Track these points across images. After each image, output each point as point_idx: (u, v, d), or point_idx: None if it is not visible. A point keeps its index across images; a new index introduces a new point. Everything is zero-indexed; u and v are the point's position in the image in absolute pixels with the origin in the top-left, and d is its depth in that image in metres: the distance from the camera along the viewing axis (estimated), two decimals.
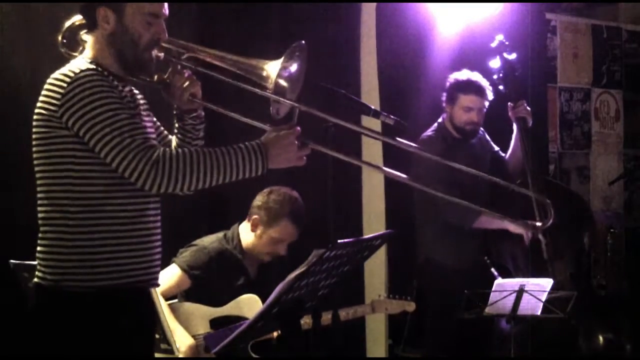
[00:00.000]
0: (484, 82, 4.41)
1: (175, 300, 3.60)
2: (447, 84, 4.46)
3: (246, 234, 3.74)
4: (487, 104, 4.43)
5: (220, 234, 3.76)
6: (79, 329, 2.38)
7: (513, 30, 5.23)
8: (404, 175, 2.63)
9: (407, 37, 5.21)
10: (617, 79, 6.43)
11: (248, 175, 2.43)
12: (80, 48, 2.61)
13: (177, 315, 3.48)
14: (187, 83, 2.58)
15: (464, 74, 4.43)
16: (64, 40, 2.63)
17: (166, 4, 2.54)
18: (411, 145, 2.70)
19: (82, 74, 2.36)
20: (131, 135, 2.34)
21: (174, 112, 2.70)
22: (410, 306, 4.09)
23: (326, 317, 3.07)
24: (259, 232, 3.70)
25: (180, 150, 2.39)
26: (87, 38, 2.54)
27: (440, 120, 4.51)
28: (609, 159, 6.39)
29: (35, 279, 2.46)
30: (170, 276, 3.55)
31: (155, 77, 2.61)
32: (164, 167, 2.32)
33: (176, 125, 2.72)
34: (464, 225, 4.25)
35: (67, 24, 2.63)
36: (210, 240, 3.71)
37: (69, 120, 2.34)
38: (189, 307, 3.57)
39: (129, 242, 2.44)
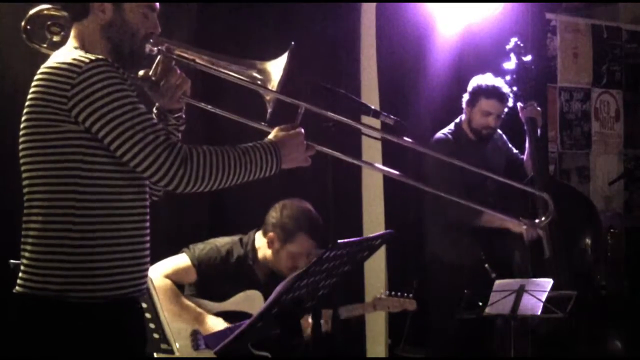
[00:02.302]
0: (506, 89, 4.47)
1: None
2: (470, 86, 4.51)
3: (263, 248, 3.71)
4: (505, 110, 4.50)
5: (235, 238, 3.74)
6: (86, 342, 2.22)
7: (513, 30, 5.23)
8: (396, 172, 2.64)
9: (407, 37, 5.21)
10: (617, 79, 6.43)
11: (263, 174, 2.38)
12: (48, 40, 2.51)
13: None
14: (179, 80, 2.51)
15: (488, 79, 4.49)
16: (28, 27, 2.52)
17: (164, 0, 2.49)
18: (412, 143, 2.70)
19: (93, 64, 2.19)
20: (154, 131, 2.21)
21: (155, 111, 2.59)
22: (412, 304, 4.10)
23: (326, 317, 3.07)
24: (276, 248, 3.67)
25: (204, 148, 2.28)
26: (60, 30, 2.45)
27: (457, 120, 4.57)
28: (609, 159, 6.39)
29: (21, 289, 2.29)
30: (178, 264, 3.57)
31: (141, 73, 2.51)
32: (192, 164, 2.22)
33: None
34: (466, 224, 4.28)
35: (33, 11, 2.52)
36: (224, 242, 3.69)
37: (81, 113, 2.18)
38: (192, 299, 3.59)
39: (133, 248, 2.31)
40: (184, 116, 2.63)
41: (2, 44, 3.94)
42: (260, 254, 3.70)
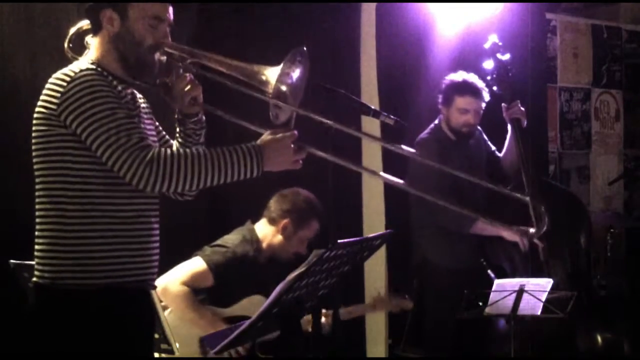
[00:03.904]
0: (480, 84, 4.39)
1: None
2: (443, 85, 4.45)
3: (271, 236, 3.76)
4: (483, 105, 4.41)
5: (239, 235, 3.75)
6: (76, 328, 2.39)
7: (513, 30, 5.23)
8: (401, 181, 2.62)
9: (407, 37, 5.21)
10: (617, 79, 6.44)
11: (243, 176, 2.43)
12: (85, 52, 2.62)
13: None
14: (188, 87, 2.59)
15: (460, 76, 4.42)
16: (71, 45, 2.66)
17: (171, 10, 2.56)
18: (410, 151, 2.68)
19: (81, 74, 2.39)
20: (128, 134, 2.35)
21: (176, 116, 2.71)
22: (408, 305, 4.12)
23: (327, 319, 3.07)
24: (288, 234, 3.74)
25: (175, 150, 2.40)
26: (92, 40, 2.56)
27: (436, 122, 4.50)
28: (609, 159, 6.39)
29: (34, 278, 2.47)
30: (194, 269, 3.56)
31: (157, 80, 2.62)
32: (158, 166, 2.33)
33: (177, 129, 2.73)
34: (460, 231, 4.25)
35: (74, 29, 2.66)
36: (235, 243, 3.69)
37: (67, 118, 2.36)
38: (208, 309, 3.59)
39: (126, 241, 2.44)
40: (203, 119, 2.71)
41: (2, 44, 3.94)
42: (265, 244, 3.75)
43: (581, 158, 6.27)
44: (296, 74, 2.53)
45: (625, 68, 6.46)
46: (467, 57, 5.18)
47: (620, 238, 6.09)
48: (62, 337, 2.39)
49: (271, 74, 2.50)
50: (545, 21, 6.03)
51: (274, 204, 3.80)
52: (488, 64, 4.48)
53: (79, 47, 2.64)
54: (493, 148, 4.63)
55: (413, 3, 5.16)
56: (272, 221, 3.77)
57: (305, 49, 2.54)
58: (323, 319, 3.47)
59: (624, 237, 6.18)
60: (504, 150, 4.55)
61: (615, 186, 6.27)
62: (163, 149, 2.38)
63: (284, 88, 2.51)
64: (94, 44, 2.55)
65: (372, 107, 2.98)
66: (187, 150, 2.42)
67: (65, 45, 2.66)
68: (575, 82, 6.25)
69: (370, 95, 5.02)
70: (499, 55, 4.47)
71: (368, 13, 5.09)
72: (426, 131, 4.49)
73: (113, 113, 2.36)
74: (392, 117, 2.88)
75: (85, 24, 2.62)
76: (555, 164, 6.09)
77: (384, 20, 5.12)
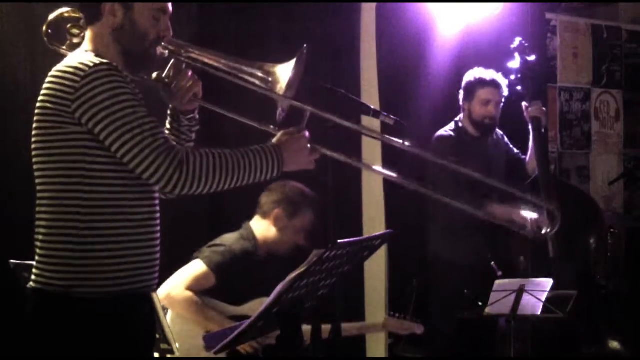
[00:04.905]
0: (499, 77, 4.52)
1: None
2: (464, 81, 4.56)
3: (265, 230, 3.75)
4: (503, 99, 4.53)
5: (237, 234, 3.74)
6: (90, 336, 2.28)
7: (513, 30, 5.23)
8: (394, 175, 2.63)
9: (407, 37, 5.21)
10: (617, 79, 6.44)
11: (264, 177, 2.40)
12: (68, 42, 2.56)
13: None
14: (190, 82, 2.54)
15: (479, 71, 4.55)
16: (49, 31, 2.59)
17: (170, 4, 2.51)
18: (409, 146, 2.68)
19: (97, 68, 2.25)
20: (153, 134, 2.25)
21: (169, 112, 2.65)
22: (420, 328, 4.07)
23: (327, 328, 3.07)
24: (281, 225, 3.72)
25: (202, 152, 2.32)
26: (79, 31, 2.50)
27: (457, 119, 4.59)
28: (609, 159, 6.39)
29: (34, 284, 2.34)
30: (195, 272, 3.55)
31: (154, 75, 2.55)
32: (188, 167, 2.25)
33: (169, 125, 2.65)
34: (470, 218, 4.27)
35: (53, 15, 2.59)
36: (232, 241, 3.68)
37: (84, 116, 2.23)
38: (210, 302, 3.58)
39: (139, 245, 2.35)
40: (197, 117, 2.67)
41: (2, 44, 3.94)
42: (260, 241, 3.73)
43: (581, 158, 6.27)
44: (296, 71, 2.52)
45: (625, 68, 6.46)
46: (467, 57, 5.19)
47: (620, 238, 6.09)
48: (74, 344, 2.28)
49: (281, 73, 2.50)
50: (545, 21, 6.03)
51: (263, 199, 3.78)
52: (514, 64, 4.60)
53: (58, 35, 2.57)
54: (516, 150, 4.70)
55: (413, 3, 5.16)
56: (265, 215, 3.75)
57: (305, 46, 2.54)
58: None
59: (624, 237, 6.18)
60: (528, 153, 4.60)
61: (615, 186, 6.27)
62: (189, 150, 2.30)
63: (286, 87, 2.51)
64: (89, 34, 2.42)
65: (372, 107, 2.98)
66: (214, 151, 2.33)
67: (44, 29, 2.58)
68: (575, 82, 6.25)
69: (370, 95, 5.02)
70: (525, 56, 4.59)
71: (368, 13, 5.09)
72: (447, 127, 4.58)
73: (135, 112, 2.24)
74: (392, 117, 2.87)
75: (65, 10, 2.56)
76: (555, 164, 6.09)
77: (384, 20, 5.12)
